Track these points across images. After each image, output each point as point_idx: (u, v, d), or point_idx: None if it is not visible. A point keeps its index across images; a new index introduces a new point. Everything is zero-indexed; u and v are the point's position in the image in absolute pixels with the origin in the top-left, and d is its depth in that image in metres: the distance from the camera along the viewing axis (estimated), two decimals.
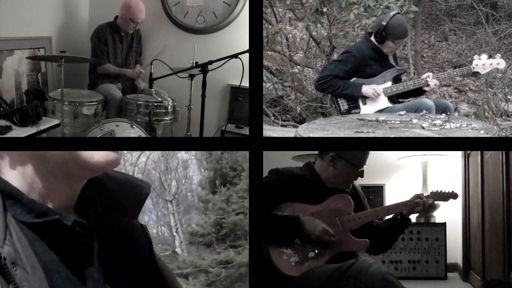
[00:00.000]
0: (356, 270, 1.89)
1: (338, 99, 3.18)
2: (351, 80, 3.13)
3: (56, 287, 0.84)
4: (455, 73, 3.32)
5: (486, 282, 2.85)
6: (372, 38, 3.15)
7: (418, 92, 3.17)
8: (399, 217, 2.27)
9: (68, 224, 0.89)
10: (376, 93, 3.11)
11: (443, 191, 2.34)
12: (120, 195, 1.01)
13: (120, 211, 1.01)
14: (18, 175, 0.90)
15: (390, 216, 2.33)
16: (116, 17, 4.00)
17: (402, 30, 3.09)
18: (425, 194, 2.29)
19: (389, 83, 3.16)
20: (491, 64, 3.06)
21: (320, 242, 2.11)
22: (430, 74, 3.16)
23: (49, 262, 0.85)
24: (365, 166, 2.23)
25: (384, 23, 3.07)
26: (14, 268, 0.78)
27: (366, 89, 3.10)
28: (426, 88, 3.13)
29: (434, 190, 2.36)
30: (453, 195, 2.34)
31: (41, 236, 0.86)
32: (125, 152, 4.85)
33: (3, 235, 0.80)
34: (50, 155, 0.89)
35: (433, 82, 3.10)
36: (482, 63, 3.06)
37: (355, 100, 3.15)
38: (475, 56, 3.10)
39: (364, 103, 3.15)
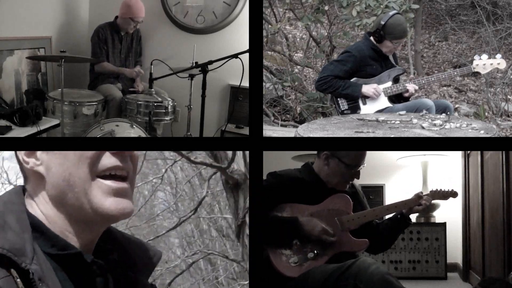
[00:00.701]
0: (356, 270, 1.89)
1: (338, 99, 3.18)
2: (351, 80, 3.13)
3: None
4: (455, 73, 3.31)
5: (483, 280, 2.85)
6: (372, 38, 3.16)
7: (404, 97, 3.17)
8: (399, 216, 2.27)
9: (88, 260, 0.95)
10: (377, 93, 3.11)
11: (442, 189, 2.33)
12: (133, 253, 1.06)
13: (132, 269, 1.05)
14: (40, 212, 0.96)
15: (390, 216, 2.33)
16: (116, 17, 4.00)
17: (400, 30, 3.08)
18: (424, 193, 2.28)
19: (389, 83, 3.16)
20: (491, 64, 3.05)
21: (319, 242, 2.11)
22: (412, 76, 3.17)
23: None
24: (363, 167, 2.21)
25: (382, 23, 3.07)
26: (41, 284, 0.85)
27: (367, 89, 3.10)
28: (406, 94, 3.13)
29: (434, 189, 2.35)
30: (453, 194, 2.34)
31: (62, 267, 0.92)
32: None
33: (31, 254, 0.87)
34: (70, 202, 0.95)
35: (411, 87, 3.11)
36: (483, 63, 3.06)
37: (355, 100, 3.15)
38: (476, 56, 3.10)
39: (364, 103, 3.15)
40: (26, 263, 0.85)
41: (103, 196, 0.94)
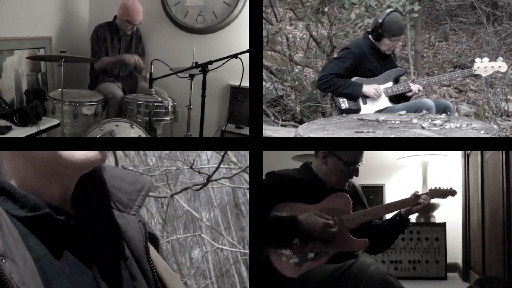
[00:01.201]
0: (356, 271, 1.89)
1: (339, 98, 3.18)
2: (352, 79, 3.13)
3: (49, 280, 0.85)
4: (456, 75, 3.31)
5: (479, 279, 2.86)
6: (370, 37, 3.16)
7: (405, 97, 3.17)
8: (398, 217, 2.26)
9: (61, 218, 0.90)
10: (378, 93, 3.11)
11: (441, 188, 2.32)
12: (116, 190, 1.02)
13: (115, 206, 1.01)
14: (9, 170, 0.91)
15: (389, 216, 2.33)
16: (115, 17, 4.00)
17: (398, 27, 3.09)
18: (424, 193, 2.28)
19: (390, 83, 3.17)
20: (492, 67, 3.05)
21: (320, 241, 2.11)
22: (413, 77, 3.17)
23: (42, 255, 0.86)
24: (360, 165, 2.21)
25: (380, 21, 3.07)
26: (3, 260, 0.79)
27: (368, 89, 3.10)
28: (408, 94, 3.14)
29: (433, 187, 2.35)
30: (452, 192, 2.33)
31: (33, 231, 0.87)
32: None
33: None
34: (33, 154, 0.90)
35: (415, 87, 3.11)
36: (484, 65, 3.05)
37: (355, 99, 3.15)
38: (477, 59, 3.09)
39: (365, 103, 3.15)
40: None
41: None
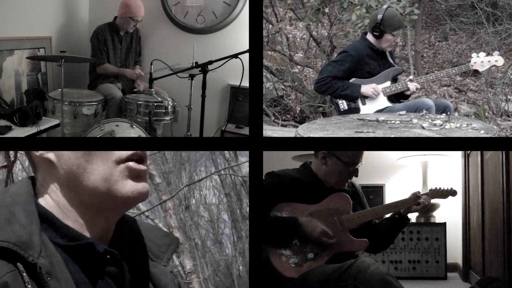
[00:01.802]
0: (356, 271, 1.89)
1: (338, 99, 3.18)
2: (350, 80, 3.13)
3: None
4: (453, 71, 3.31)
5: (481, 280, 2.85)
6: (369, 37, 3.16)
7: (404, 96, 3.17)
8: (397, 216, 2.27)
9: (100, 250, 0.92)
10: (376, 92, 3.11)
11: (442, 188, 2.33)
12: (148, 241, 1.05)
13: (149, 257, 1.04)
14: (52, 202, 0.94)
15: (388, 216, 2.33)
16: (115, 18, 4.00)
17: (398, 21, 3.11)
18: (424, 193, 2.29)
19: (388, 83, 3.17)
20: (489, 61, 3.05)
21: (319, 243, 2.11)
22: (410, 77, 3.17)
23: (81, 283, 0.89)
24: (360, 165, 2.21)
25: (380, 17, 3.07)
26: (49, 278, 0.83)
27: (366, 89, 3.10)
28: (407, 93, 3.13)
29: (433, 188, 2.35)
30: (452, 192, 2.34)
31: (73, 258, 0.90)
32: None
33: (39, 247, 0.85)
34: (83, 188, 0.92)
35: (412, 86, 3.11)
36: (481, 60, 3.06)
37: (354, 100, 3.15)
38: (473, 54, 3.10)
39: (364, 103, 3.15)
40: (34, 257, 0.83)
41: (123, 179, 0.92)
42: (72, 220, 0.93)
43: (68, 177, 0.92)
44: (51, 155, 0.93)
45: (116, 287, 0.94)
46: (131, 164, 0.93)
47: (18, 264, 0.82)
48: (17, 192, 0.93)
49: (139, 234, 1.04)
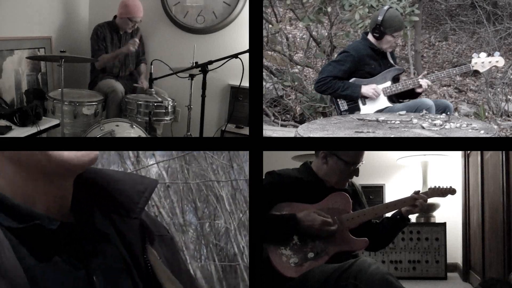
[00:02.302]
0: (356, 270, 1.89)
1: (338, 100, 3.18)
2: (350, 80, 3.13)
3: None
4: (454, 71, 3.31)
5: (483, 281, 2.85)
6: (370, 37, 3.16)
7: (413, 94, 3.17)
8: (398, 216, 2.27)
9: (52, 228, 0.89)
10: (376, 93, 3.11)
11: (441, 187, 2.33)
12: (118, 194, 1.00)
13: (117, 211, 1.00)
14: (1, 179, 0.90)
15: (389, 216, 2.33)
16: (115, 17, 4.00)
17: (399, 22, 3.11)
18: (423, 192, 2.29)
19: (388, 83, 3.17)
20: (490, 62, 3.06)
21: (321, 236, 2.10)
22: (423, 74, 3.18)
23: (32, 266, 0.85)
24: (361, 165, 2.21)
25: (380, 18, 3.08)
26: None
27: (366, 89, 3.11)
28: (419, 90, 3.13)
29: (432, 186, 2.36)
30: (451, 191, 2.33)
31: (23, 242, 0.86)
32: None
33: None
34: (24, 157, 0.88)
35: (424, 81, 3.11)
36: (481, 61, 3.07)
37: (355, 100, 3.15)
38: (474, 54, 3.11)
39: (364, 103, 3.15)
40: None
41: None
42: (23, 195, 0.90)
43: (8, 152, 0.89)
44: None
45: (75, 260, 0.90)
46: None
47: None
48: None
49: (100, 190, 0.99)
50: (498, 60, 3.06)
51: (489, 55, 3.08)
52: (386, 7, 3.16)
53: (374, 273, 1.85)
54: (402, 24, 3.15)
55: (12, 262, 0.82)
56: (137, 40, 3.97)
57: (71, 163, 0.90)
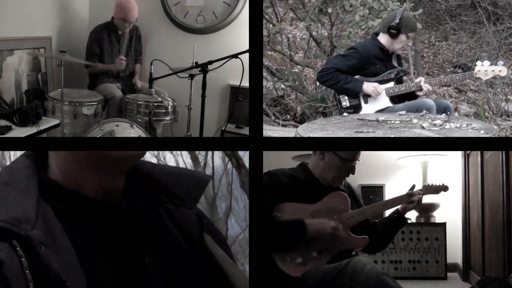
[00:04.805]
0: (351, 271, 1.88)
1: (340, 96, 3.19)
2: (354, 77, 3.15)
3: (91, 270, 0.89)
4: (457, 77, 3.35)
5: (480, 280, 2.86)
6: (380, 37, 3.18)
7: (412, 95, 3.19)
8: (395, 215, 2.28)
9: (105, 208, 0.96)
10: (377, 91, 3.12)
11: (434, 184, 2.38)
12: (173, 186, 1.07)
13: (173, 201, 1.06)
14: (55, 167, 0.97)
15: (387, 215, 2.34)
16: (113, 17, 4.00)
17: (414, 22, 3.18)
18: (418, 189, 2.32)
19: (391, 83, 3.18)
20: (493, 71, 3.07)
21: (322, 241, 2.10)
22: (422, 79, 3.19)
23: (85, 247, 0.91)
24: (357, 163, 2.22)
25: (398, 17, 3.12)
26: (42, 248, 0.85)
27: (367, 86, 3.12)
28: (419, 93, 3.15)
29: (427, 184, 2.41)
30: (444, 188, 2.38)
31: (75, 224, 0.93)
32: None
33: (34, 219, 0.87)
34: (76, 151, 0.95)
35: (426, 87, 3.14)
36: (484, 69, 3.07)
37: (356, 95, 3.16)
38: (478, 62, 3.12)
39: (366, 102, 3.16)
40: (26, 230, 0.85)
41: None
42: (74, 181, 0.95)
43: None
44: None
45: (126, 242, 0.95)
46: None
47: (14, 241, 0.84)
48: (16, 167, 0.97)
49: (153, 182, 1.05)
50: (501, 69, 3.07)
51: (492, 63, 3.09)
52: (401, 9, 3.26)
53: (370, 274, 1.84)
54: (415, 26, 3.21)
55: (65, 244, 0.88)
56: (123, 58, 3.98)
57: (118, 156, 0.95)
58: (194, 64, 3.42)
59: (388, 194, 4.36)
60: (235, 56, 3.16)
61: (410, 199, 2.26)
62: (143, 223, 0.99)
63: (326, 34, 4.72)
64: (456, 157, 4.28)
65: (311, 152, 2.32)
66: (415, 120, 2.60)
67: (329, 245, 2.12)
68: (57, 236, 0.88)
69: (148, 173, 1.06)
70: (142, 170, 1.05)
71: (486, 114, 4.71)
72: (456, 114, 4.55)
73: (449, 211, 4.28)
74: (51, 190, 0.94)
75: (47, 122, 3.32)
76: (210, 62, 3.27)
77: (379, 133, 2.37)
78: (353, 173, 2.22)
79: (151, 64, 3.59)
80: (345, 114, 3.13)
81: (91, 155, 0.94)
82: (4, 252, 0.82)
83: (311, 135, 2.40)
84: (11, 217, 0.86)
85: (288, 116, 4.64)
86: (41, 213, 0.89)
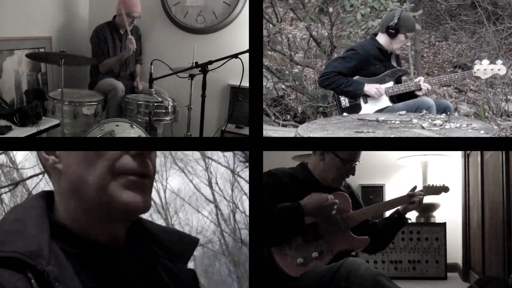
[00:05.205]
0: (346, 272, 1.87)
1: (340, 96, 3.19)
2: (354, 78, 3.15)
3: None
4: (456, 76, 3.34)
5: (479, 279, 2.86)
6: (379, 38, 3.18)
7: (411, 95, 3.19)
8: (396, 215, 2.28)
9: (112, 255, 0.97)
10: (379, 92, 3.13)
11: (435, 185, 2.37)
12: (168, 242, 1.10)
13: (169, 257, 1.09)
14: (64, 212, 0.99)
15: (387, 216, 2.34)
16: (115, 16, 4.00)
17: (412, 22, 3.17)
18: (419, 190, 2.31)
19: (391, 83, 3.18)
20: (492, 69, 3.07)
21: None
22: (422, 78, 3.20)
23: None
24: (357, 164, 2.22)
25: (396, 17, 3.12)
26: (57, 283, 0.87)
27: (369, 88, 3.12)
28: (418, 93, 3.15)
29: (427, 185, 2.40)
30: (444, 189, 2.38)
31: (85, 268, 0.94)
32: None
33: (48, 256, 0.89)
34: (85, 196, 0.96)
35: (425, 86, 3.14)
36: (483, 68, 3.07)
37: (357, 97, 3.16)
38: (477, 61, 3.12)
39: (366, 102, 3.16)
40: (42, 264, 0.87)
41: (121, 189, 0.95)
42: (82, 227, 0.97)
43: (71, 187, 0.97)
44: (60, 165, 0.98)
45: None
46: (131, 176, 0.96)
47: (29, 273, 0.86)
48: (30, 206, 0.99)
49: (153, 237, 1.08)
50: (500, 68, 3.06)
51: (491, 62, 3.09)
52: (399, 9, 3.25)
53: (365, 274, 1.84)
54: (414, 25, 3.20)
55: (75, 284, 0.90)
56: (131, 37, 3.95)
57: (128, 208, 0.97)
58: (194, 64, 3.42)
59: (388, 194, 4.36)
60: (235, 56, 3.16)
61: (411, 200, 2.25)
62: (143, 273, 1.02)
63: (326, 34, 4.72)
64: (456, 157, 4.28)
65: (311, 152, 2.31)
66: (415, 120, 2.60)
67: (329, 245, 2.12)
68: (67, 275, 0.90)
69: (146, 226, 1.09)
70: (142, 223, 1.08)
71: (486, 114, 4.71)
72: (456, 114, 4.55)
73: (449, 211, 4.28)
74: (60, 232, 0.95)
75: (47, 122, 3.32)
76: (210, 62, 3.27)
77: (379, 133, 2.37)
78: (353, 174, 2.22)
79: (151, 64, 3.59)
80: (345, 114, 3.13)
81: (100, 206, 0.96)
82: (20, 282, 0.84)
83: (311, 135, 2.40)
84: (27, 250, 0.88)
85: (288, 116, 4.64)
86: (53, 251, 0.91)
